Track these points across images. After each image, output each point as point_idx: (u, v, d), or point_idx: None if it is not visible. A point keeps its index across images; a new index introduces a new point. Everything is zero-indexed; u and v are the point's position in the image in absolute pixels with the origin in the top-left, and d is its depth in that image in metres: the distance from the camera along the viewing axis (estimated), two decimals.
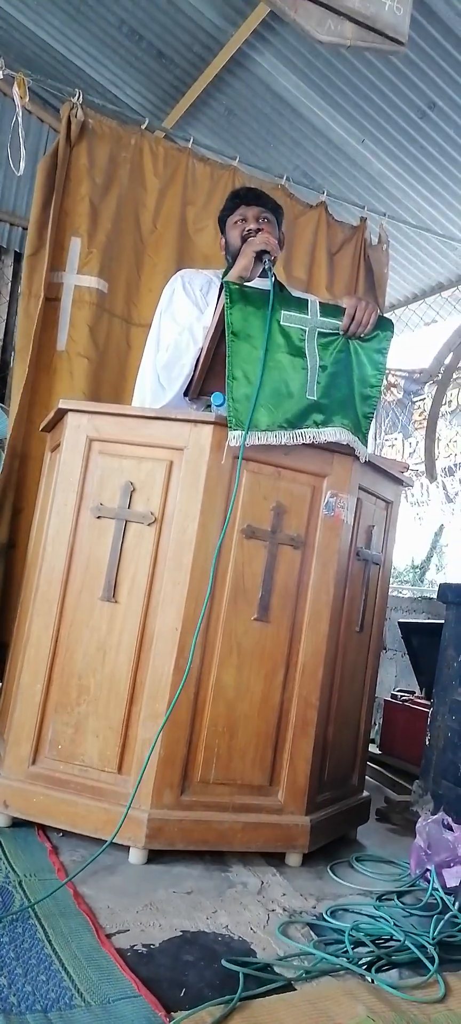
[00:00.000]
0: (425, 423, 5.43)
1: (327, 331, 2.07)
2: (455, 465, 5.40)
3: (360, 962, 1.50)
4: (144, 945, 1.46)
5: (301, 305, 2.07)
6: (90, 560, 2.00)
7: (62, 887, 1.61)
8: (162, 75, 4.23)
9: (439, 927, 1.73)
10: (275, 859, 2.02)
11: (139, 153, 3.42)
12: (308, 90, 3.93)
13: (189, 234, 3.49)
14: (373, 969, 1.49)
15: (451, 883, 1.97)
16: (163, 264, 3.37)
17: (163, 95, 4.38)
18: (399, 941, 1.62)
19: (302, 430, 1.99)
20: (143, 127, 3.47)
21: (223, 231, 2.52)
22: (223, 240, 2.53)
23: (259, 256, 2.20)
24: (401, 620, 4.02)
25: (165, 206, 3.46)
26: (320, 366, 2.03)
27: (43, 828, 1.93)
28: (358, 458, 2.08)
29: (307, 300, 2.10)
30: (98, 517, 2.00)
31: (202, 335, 2.21)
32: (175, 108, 4.32)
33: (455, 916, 1.82)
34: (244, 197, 2.47)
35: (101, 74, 4.43)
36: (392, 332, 2.16)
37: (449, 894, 1.92)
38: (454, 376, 5.29)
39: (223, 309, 2.00)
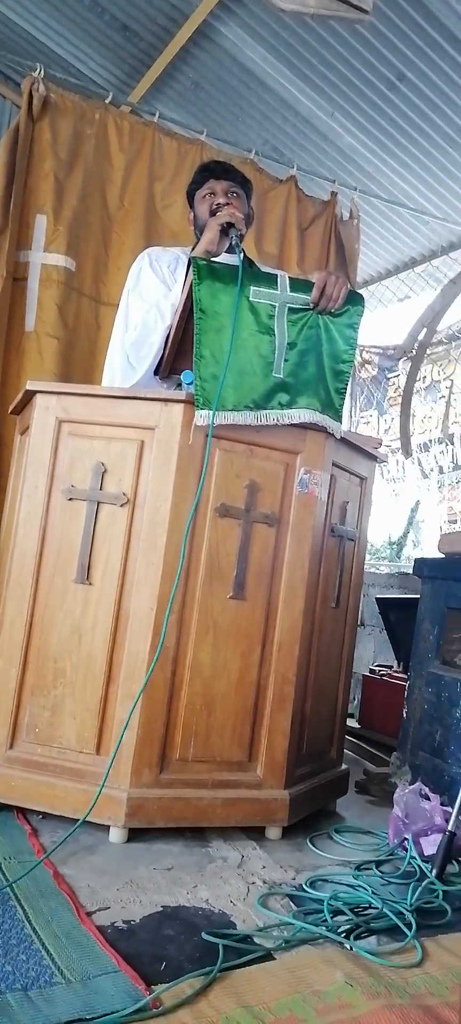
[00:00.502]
0: (400, 400, 5.45)
1: (297, 307, 2.06)
2: (430, 441, 5.44)
3: (339, 930, 1.52)
4: (124, 922, 1.47)
5: (270, 280, 2.06)
6: (63, 543, 1.98)
7: (39, 865, 1.61)
8: (126, 48, 4.14)
9: (417, 894, 1.75)
10: (255, 833, 2.03)
11: (104, 128, 3.37)
12: (276, 62, 3.89)
13: (157, 210, 3.46)
14: (352, 937, 1.50)
15: (428, 851, 2.00)
16: (131, 241, 3.34)
17: (128, 69, 4.30)
18: (377, 909, 1.64)
19: (266, 411, 1.98)
20: (107, 101, 3.41)
21: (192, 205, 2.49)
22: (191, 214, 2.50)
23: (225, 230, 2.18)
24: (379, 596, 4.05)
25: (132, 182, 3.42)
26: (288, 343, 2.02)
27: (22, 811, 1.93)
28: (332, 434, 2.08)
29: (276, 275, 2.09)
30: (70, 499, 1.98)
31: (170, 312, 2.18)
32: (141, 82, 4.23)
33: (432, 883, 1.85)
34: (213, 171, 2.44)
35: (63, 48, 4.33)
36: (363, 307, 2.15)
37: (426, 862, 1.95)
38: (428, 352, 5.31)
39: (191, 286, 1.98)
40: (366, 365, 6.25)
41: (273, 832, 2.05)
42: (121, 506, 1.96)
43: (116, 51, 4.19)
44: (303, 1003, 1.24)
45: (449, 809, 2.04)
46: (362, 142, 4.33)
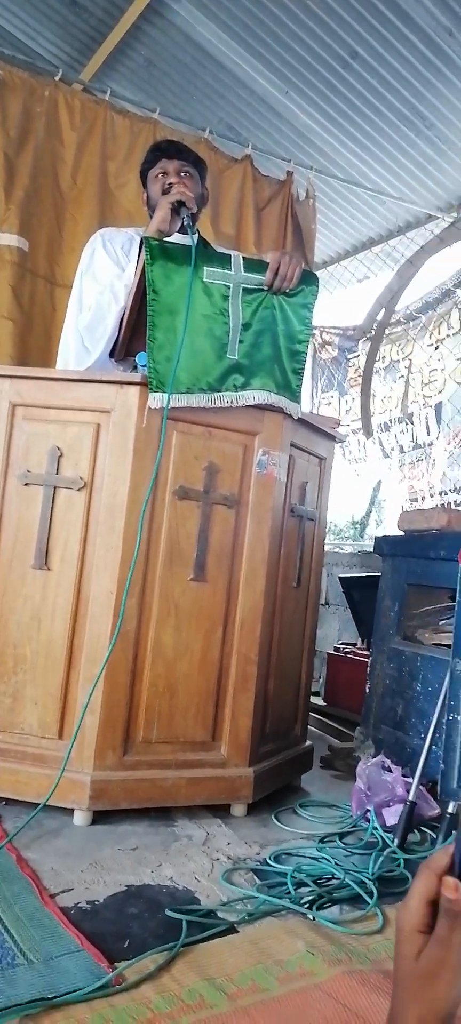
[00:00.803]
0: (360, 380, 5.49)
1: (252, 287, 2.05)
2: (390, 420, 5.49)
3: (302, 901, 1.55)
4: (88, 902, 1.47)
5: (224, 261, 2.04)
6: (19, 528, 1.96)
7: (1, 850, 1.61)
8: (76, 25, 4.06)
9: (378, 863, 1.79)
10: (221, 811, 2.05)
11: (54, 106, 3.31)
12: (229, 40, 3.86)
13: (111, 189, 3.42)
14: (314, 907, 1.53)
15: (390, 821, 2.04)
16: (85, 221, 3.29)
17: (79, 46, 4.22)
18: (340, 879, 1.67)
19: (221, 393, 1.97)
20: (57, 78, 3.35)
21: (145, 185, 2.46)
22: (145, 195, 2.47)
23: (176, 209, 2.16)
24: (342, 575, 4.09)
25: (84, 161, 3.37)
26: (242, 324, 2.01)
27: None
28: (290, 415, 2.09)
29: (230, 255, 2.07)
30: (26, 484, 1.95)
31: (124, 294, 2.16)
32: (92, 59, 4.16)
33: (394, 852, 1.89)
34: (165, 150, 2.41)
35: (12, 23, 4.22)
36: (317, 286, 2.15)
37: (388, 831, 1.99)
38: (387, 332, 5.36)
39: (144, 266, 1.96)
40: (326, 346, 6.25)
41: (238, 809, 2.07)
42: (78, 490, 1.94)
43: (66, 27, 4.11)
44: (265, 973, 1.26)
45: (410, 780, 2.09)
46: (317, 121, 4.33)
